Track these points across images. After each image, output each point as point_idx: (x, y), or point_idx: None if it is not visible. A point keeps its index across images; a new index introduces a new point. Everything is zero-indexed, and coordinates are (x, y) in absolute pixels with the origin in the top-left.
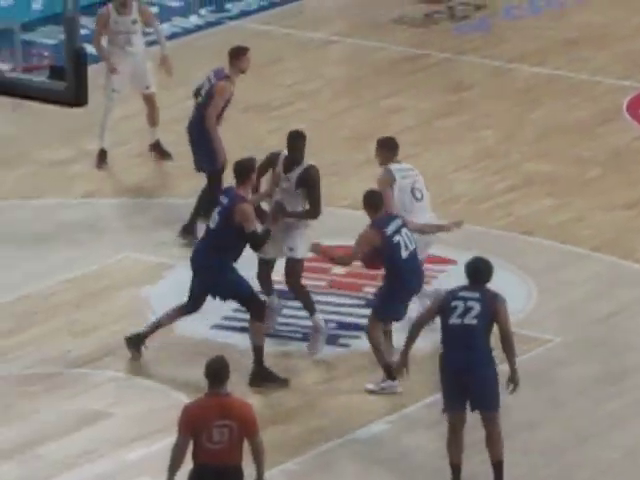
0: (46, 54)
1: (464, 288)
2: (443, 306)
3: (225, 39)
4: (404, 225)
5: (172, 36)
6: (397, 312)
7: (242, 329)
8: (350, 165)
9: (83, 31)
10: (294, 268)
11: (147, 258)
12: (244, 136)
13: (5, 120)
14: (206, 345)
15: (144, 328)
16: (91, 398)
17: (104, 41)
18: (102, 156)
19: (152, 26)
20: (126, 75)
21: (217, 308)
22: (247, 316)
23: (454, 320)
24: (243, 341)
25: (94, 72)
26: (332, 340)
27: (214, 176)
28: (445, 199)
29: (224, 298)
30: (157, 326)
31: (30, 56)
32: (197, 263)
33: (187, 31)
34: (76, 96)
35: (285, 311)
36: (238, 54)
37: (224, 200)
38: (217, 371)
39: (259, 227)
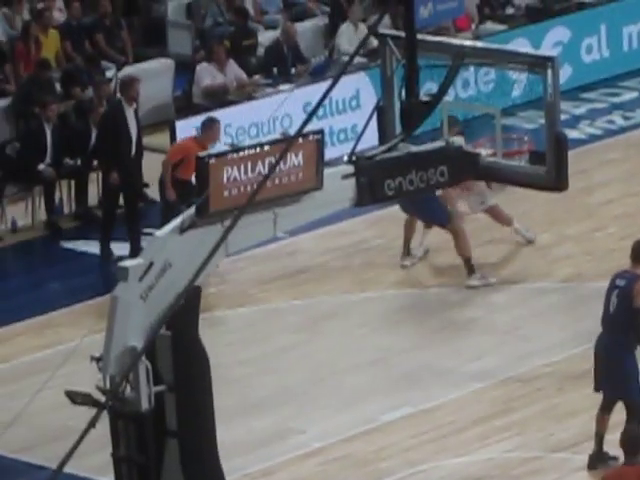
0: (526, 139)
1: None
2: None
3: None
4: None
5: None
6: None
7: None
8: None
9: (563, 116)
10: None
11: None
12: None
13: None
14: None
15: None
16: None
17: None
18: None
19: None
20: None
21: None
22: None
23: None
24: None
25: (574, 157)
26: None
27: None
28: None
29: (618, 393)
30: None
31: (510, 141)
32: (601, 355)
33: None
34: (557, 180)
35: None
36: None
37: (621, 282)
38: (633, 441)
39: None
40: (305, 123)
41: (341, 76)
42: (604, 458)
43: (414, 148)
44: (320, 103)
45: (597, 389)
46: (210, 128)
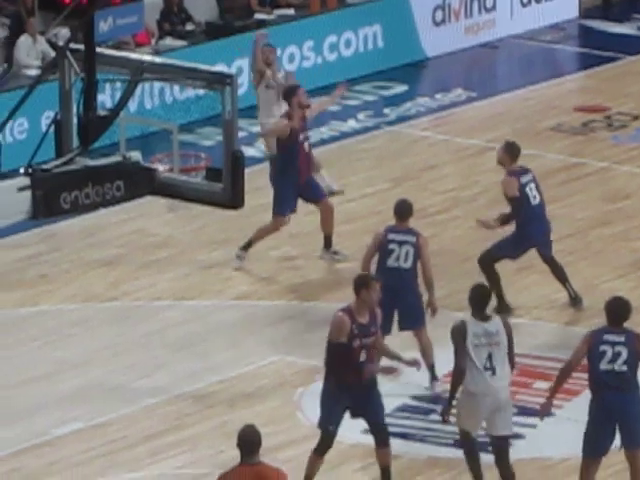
0: (203, 156)
1: (609, 331)
2: (591, 350)
3: (382, 144)
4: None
5: (330, 140)
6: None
7: (394, 434)
8: (508, 272)
9: (241, 134)
10: None
11: (300, 361)
12: None
13: (161, 221)
14: (357, 449)
15: None
16: None
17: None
18: None
19: None
20: None
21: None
22: (401, 422)
23: (605, 366)
24: (396, 446)
25: (250, 175)
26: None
27: None
28: (599, 309)
29: None
30: None
31: (187, 157)
32: None
33: (345, 135)
34: (232, 198)
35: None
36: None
37: None
38: (250, 440)
39: None
40: None
41: (34, 89)
42: None
43: (91, 162)
44: (11, 116)
45: None
46: None
